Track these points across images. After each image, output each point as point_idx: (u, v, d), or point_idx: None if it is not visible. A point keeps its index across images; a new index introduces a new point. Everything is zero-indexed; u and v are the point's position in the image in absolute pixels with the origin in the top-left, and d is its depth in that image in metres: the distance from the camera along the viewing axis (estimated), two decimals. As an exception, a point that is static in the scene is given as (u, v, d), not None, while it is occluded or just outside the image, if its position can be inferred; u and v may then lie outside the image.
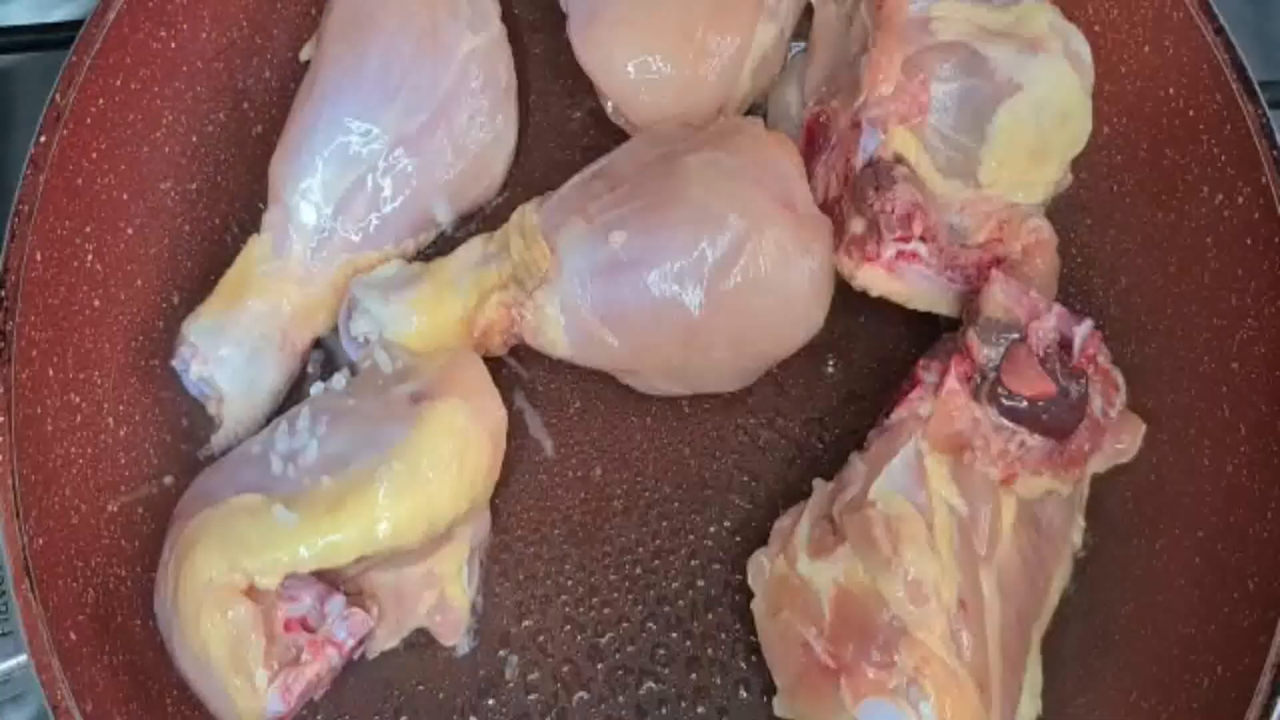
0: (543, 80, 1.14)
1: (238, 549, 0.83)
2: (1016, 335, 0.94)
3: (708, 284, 0.93)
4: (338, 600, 0.88)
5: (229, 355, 0.97)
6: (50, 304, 0.92)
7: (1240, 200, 0.97)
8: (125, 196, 0.99)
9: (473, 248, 1.00)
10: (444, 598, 0.94)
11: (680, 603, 0.99)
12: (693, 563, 1.00)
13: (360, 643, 0.90)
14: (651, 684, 0.96)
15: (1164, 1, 1.03)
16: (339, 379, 0.95)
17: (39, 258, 0.91)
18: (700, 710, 0.96)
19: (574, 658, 0.97)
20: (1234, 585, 0.91)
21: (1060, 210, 1.07)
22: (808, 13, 1.11)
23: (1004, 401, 0.92)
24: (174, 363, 0.98)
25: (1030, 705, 0.94)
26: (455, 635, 0.95)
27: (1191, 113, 1.01)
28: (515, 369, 1.04)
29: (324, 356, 1.04)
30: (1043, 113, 1.02)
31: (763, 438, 1.04)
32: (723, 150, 0.96)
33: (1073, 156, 1.03)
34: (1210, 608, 0.92)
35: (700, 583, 0.99)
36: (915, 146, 0.99)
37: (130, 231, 1.00)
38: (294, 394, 1.02)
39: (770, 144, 0.98)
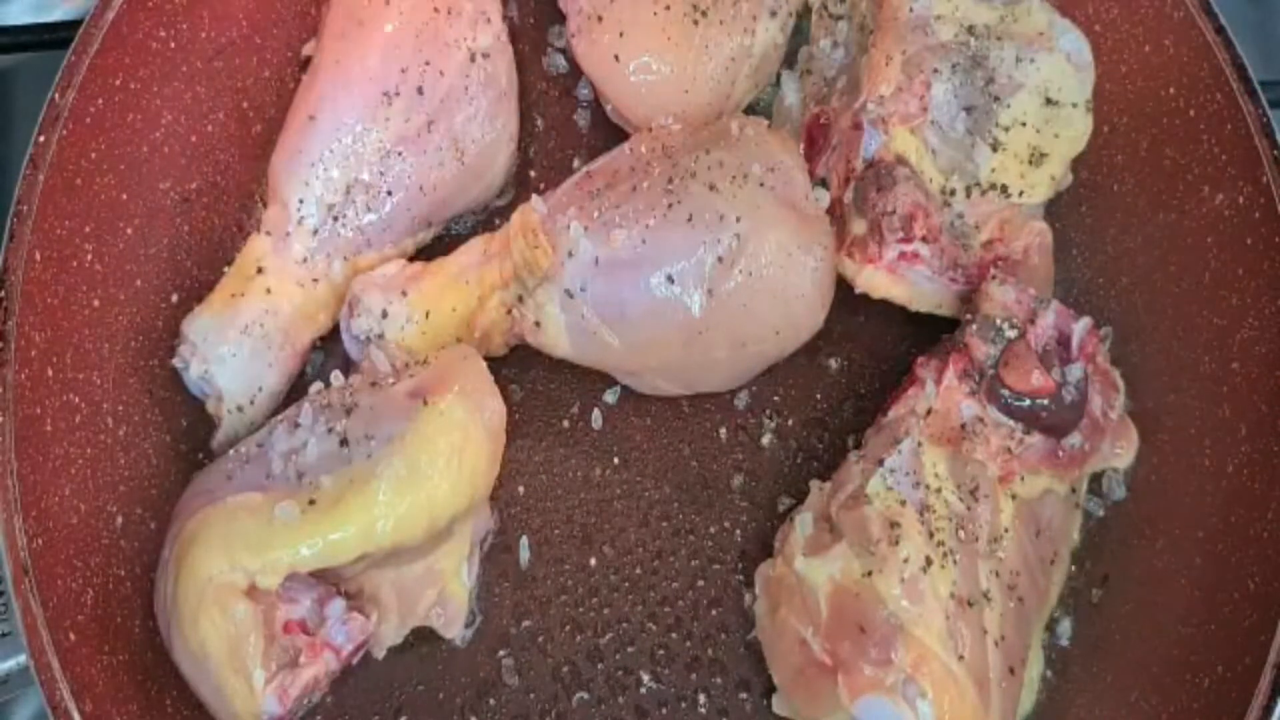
0: (543, 80, 1.14)
1: (238, 547, 0.83)
2: (1015, 333, 0.94)
3: (709, 284, 0.93)
4: (338, 604, 0.88)
5: (229, 354, 0.97)
6: (50, 304, 0.92)
7: (1241, 200, 0.97)
8: (125, 196, 0.99)
9: (473, 248, 1.00)
10: (444, 593, 0.94)
11: (680, 603, 0.99)
12: (693, 563, 1.00)
13: (358, 648, 0.90)
14: (651, 684, 0.96)
15: (1164, 1, 1.03)
16: (338, 378, 0.95)
17: (38, 258, 0.91)
18: (700, 711, 0.96)
19: (574, 658, 0.97)
20: (1234, 585, 0.91)
21: (1061, 210, 1.07)
22: (807, 13, 1.11)
23: (1004, 398, 0.92)
24: (174, 361, 0.98)
25: (1028, 699, 0.94)
26: (456, 628, 0.95)
27: (1192, 112, 1.01)
28: (515, 369, 1.04)
29: (324, 356, 1.04)
30: (1043, 112, 1.02)
31: (763, 438, 1.04)
32: (724, 150, 0.96)
33: (1073, 156, 1.03)
34: (1210, 608, 0.92)
35: (700, 583, 0.99)
36: (916, 147, 1.00)
37: (130, 231, 1.00)
38: (294, 393, 1.01)
39: (773, 144, 0.98)
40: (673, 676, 0.97)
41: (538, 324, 0.96)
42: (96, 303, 0.96)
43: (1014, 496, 0.91)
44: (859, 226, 0.99)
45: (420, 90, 1.00)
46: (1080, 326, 0.95)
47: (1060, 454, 0.93)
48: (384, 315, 0.97)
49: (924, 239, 0.97)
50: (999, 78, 1.01)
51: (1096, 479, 1.00)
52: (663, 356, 0.97)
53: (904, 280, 1.00)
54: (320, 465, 0.87)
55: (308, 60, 1.05)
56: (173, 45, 1.03)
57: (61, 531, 0.89)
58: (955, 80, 1.00)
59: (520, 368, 1.04)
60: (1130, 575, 0.98)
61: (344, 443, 0.88)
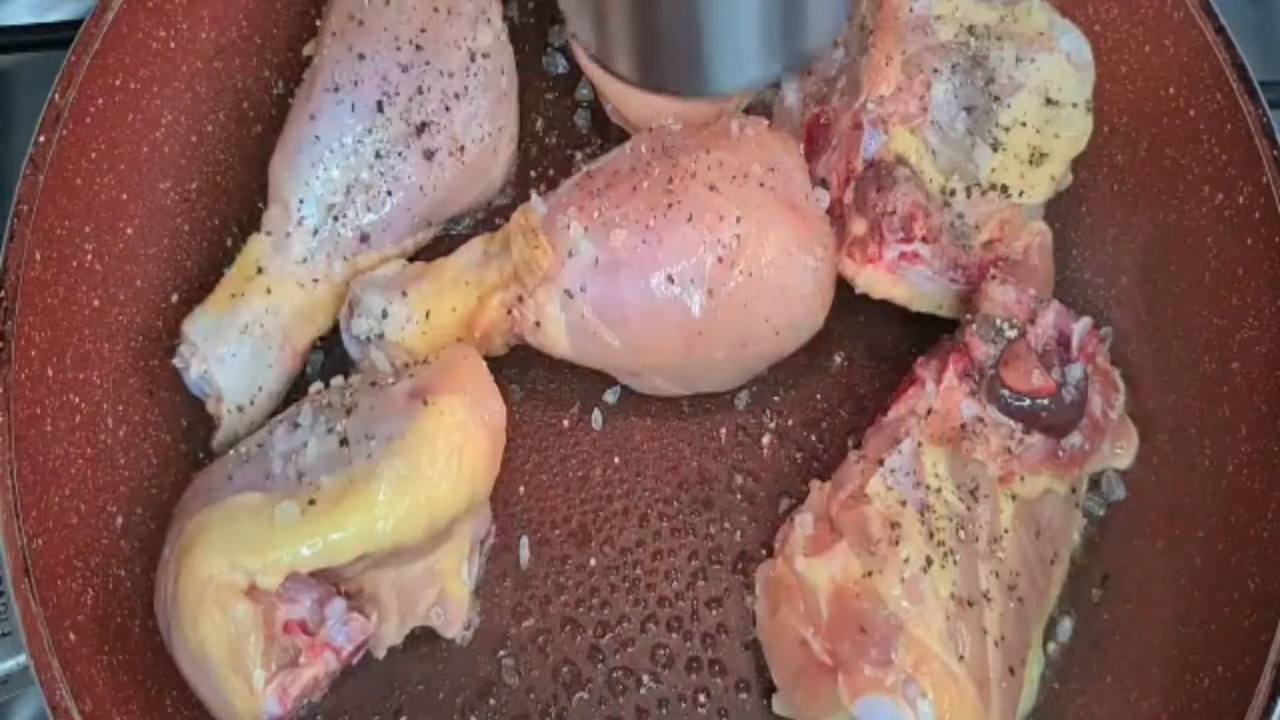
0: (543, 80, 1.15)
1: (238, 548, 0.83)
2: (1015, 333, 0.94)
3: (709, 284, 0.93)
4: (338, 604, 0.88)
5: (229, 354, 0.97)
6: (50, 304, 0.92)
7: (1241, 200, 0.97)
8: (125, 196, 0.99)
9: (473, 248, 1.00)
10: (444, 593, 0.94)
11: (680, 603, 0.99)
12: (693, 563, 1.00)
13: (358, 648, 0.90)
14: (651, 685, 0.96)
15: (1164, 1, 1.03)
16: (338, 378, 0.95)
17: (38, 258, 0.91)
18: (700, 711, 0.96)
19: (574, 658, 0.97)
20: (1234, 585, 0.91)
21: (1061, 210, 1.07)
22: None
23: (1004, 398, 0.92)
24: (174, 361, 0.98)
25: (1028, 699, 0.94)
26: (456, 628, 0.95)
27: (1192, 112, 1.01)
28: (515, 369, 1.04)
29: (324, 356, 1.04)
30: (1043, 112, 1.02)
31: (763, 438, 1.04)
32: (725, 150, 0.96)
33: (1074, 156, 1.03)
34: (1210, 608, 0.92)
35: (700, 583, 0.99)
36: (916, 147, 1.00)
37: (130, 231, 1.00)
38: (293, 393, 1.01)
39: (773, 144, 0.98)
40: (673, 676, 0.97)
41: (538, 324, 0.96)
42: (96, 303, 0.96)
43: (1014, 497, 0.91)
44: (859, 226, 0.99)
45: (420, 90, 1.00)
46: (1080, 326, 0.95)
47: (1060, 454, 0.93)
48: (384, 315, 0.97)
49: (924, 239, 0.97)
50: (999, 78, 1.01)
51: (1096, 479, 1.00)
52: (663, 357, 0.97)
53: (904, 280, 1.00)
54: (320, 465, 0.87)
55: (308, 60, 1.05)
56: (173, 45, 1.03)
57: (61, 531, 0.89)
58: (955, 80, 1.00)
59: (520, 368, 1.04)
60: (1130, 575, 0.98)
61: (344, 443, 0.88)
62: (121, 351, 0.98)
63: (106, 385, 0.96)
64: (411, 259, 1.04)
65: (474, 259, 0.99)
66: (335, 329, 1.01)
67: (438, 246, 1.06)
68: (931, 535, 0.88)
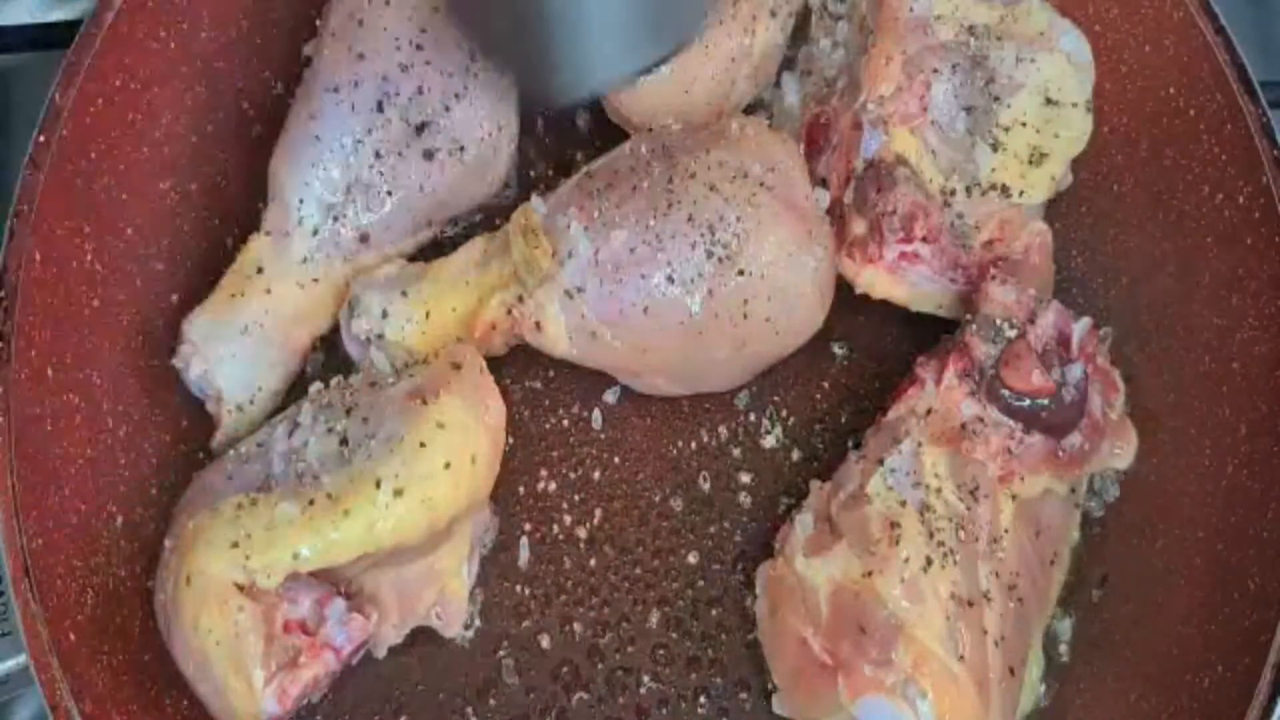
0: (543, 80, 1.14)
1: (238, 547, 0.83)
2: (1015, 333, 0.94)
3: (709, 284, 0.93)
4: (338, 604, 0.88)
5: (229, 354, 0.97)
6: (50, 304, 0.92)
7: (1240, 200, 0.97)
8: (125, 196, 0.99)
9: (473, 248, 1.00)
10: (444, 593, 0.94)
11: (680, 603, 0.99)
12: (693, 563, 1.00)
13: (358, 648, 0.90)
14: (651, 684, 0.96)
15: (1164, 1, 1.03)
16: (338, 378, 0.95)
17: (38, 258, 0.91)
18: (700, 710, 0.96)
19: (574, 658, 0.97)
20: (1234, 585, 0.91)
21: (1061, 210, 1.07)
22: (808, 13, 1.11)
23: (1004, 398, 0.92)
24: (174, 361, 0.98)
25: (1028, 699, 0.94)
26: (456, 628, 0.95)
27: (1192, 112, 1.01)
28: (515, 369, 1.04)
29: (324, 356, 1.04)
30: (1043, 112, 1.02)
31: (763, 438, 1.04)
32: (725, 150, 0.96)
33: (1073, 156, 1.03)
34: (1210, 608, 0.92)
35: (700, 583, 0.99)
36: (916, 147, 1.00)
37: (130, 231, 1.00)
38: (293, 393, 1.01)
39: (773, 143, 0.98)
40: (673, 676, 0.97)
41: (538, 324, 0.96)
42: (96, 303, 0.96)
43: (1014, 496, 0.92)
44: (859, 226, 0.99)
45: (420, 90, 1.00)
46: (1080, 326, 0.95)
47: (1060, 454, 0.93)
48: (384, 315, 0.97)
49: (924, 239, 0.97)
50: (999, 78, 1.01)
51: (1092, 479, 1.00)
52: (663, 356, 0.97)
53: (904, 280, 1.00)
54: (320, 465, 0.87)
55: (308, 60, 1.05)
56: (173, 45, 1.03)
57: (61, 531, 0.89)
58: (955, 80, 1.00)
59: (520, 368, 1.04)
60: (1130, 575, 0.98)
61: (344, 443, 0.88)
62: (121, 351, 0.98)
63: (106, 385, 0.96)
64: (411, 259, 1.04)
65: (474, 259, 0.99)
66: (335, 329, 1.01)
67: (438, 247, 1.06)
68: (931, 535, 0.88)
